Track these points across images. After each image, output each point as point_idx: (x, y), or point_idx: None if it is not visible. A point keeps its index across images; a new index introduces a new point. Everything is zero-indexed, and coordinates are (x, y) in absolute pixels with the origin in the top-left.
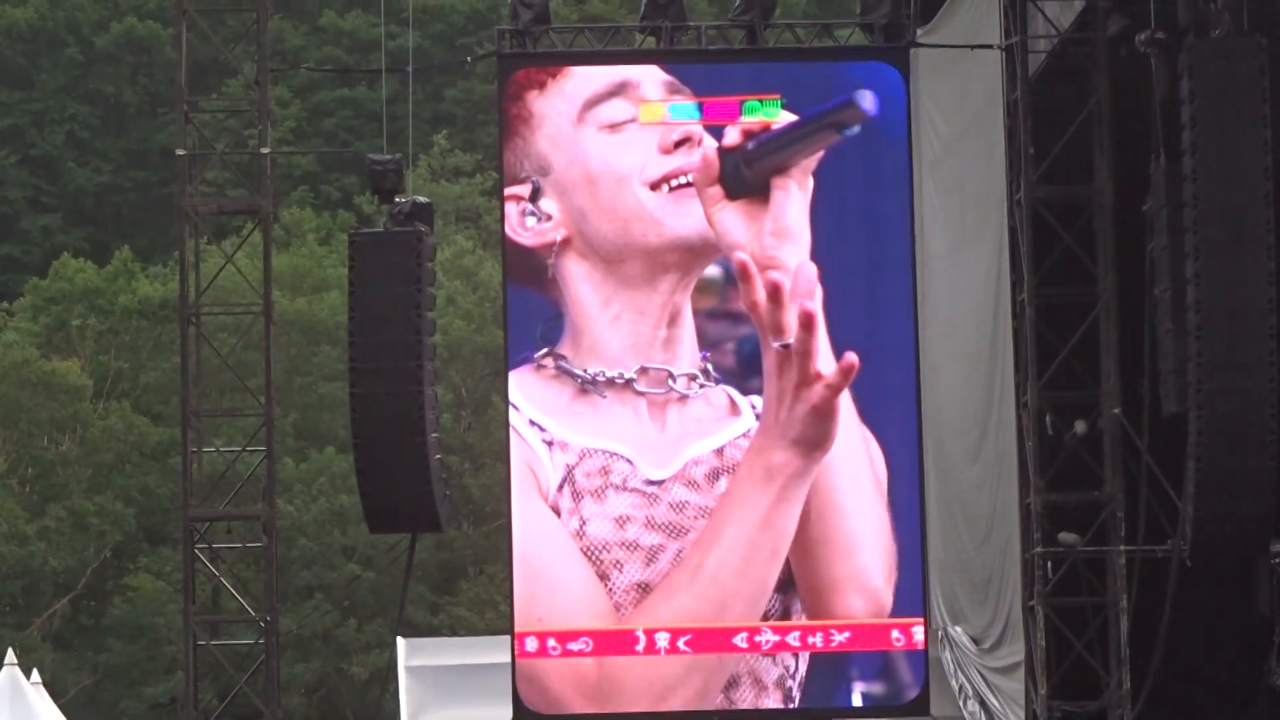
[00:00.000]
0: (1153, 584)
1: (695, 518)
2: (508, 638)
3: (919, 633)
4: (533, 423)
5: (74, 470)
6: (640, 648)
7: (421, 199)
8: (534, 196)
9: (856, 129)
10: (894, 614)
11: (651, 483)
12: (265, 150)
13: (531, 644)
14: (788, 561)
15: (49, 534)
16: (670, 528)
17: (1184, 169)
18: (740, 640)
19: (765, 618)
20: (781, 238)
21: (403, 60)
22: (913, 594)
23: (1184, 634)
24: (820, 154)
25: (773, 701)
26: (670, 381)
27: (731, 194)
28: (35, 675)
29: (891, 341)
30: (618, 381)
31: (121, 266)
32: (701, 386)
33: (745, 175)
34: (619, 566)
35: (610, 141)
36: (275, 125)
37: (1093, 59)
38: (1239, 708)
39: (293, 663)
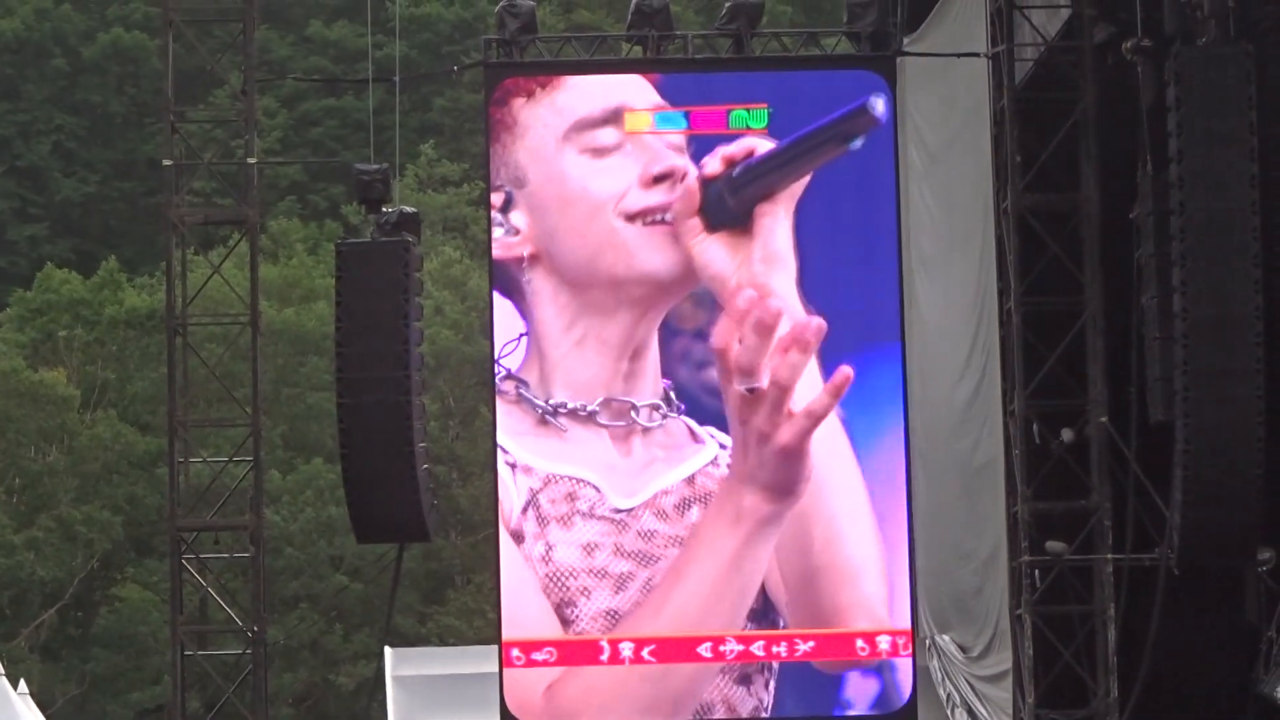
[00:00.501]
0: (1140, 592)
1: (665, 546)
2: (495, 647)
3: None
4: (497, 444)
5: (61, 480)
6: (605, 658)
7: (408, 209)
8: (505, 207)
9: (861, 141)
10: (889, 623)
11: (620, 511)
12: (252, 160)
13: (518, 654)
14: (764, 592)
15: (37, 544)
16: (640, 555)
17: (1171, 176)
18: (705, 650)
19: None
20: (771, 264)
21: (389, 70)
22: (900, 603)
23: (1171, 642)
24: (808, 178)
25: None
26: (633, 413)
27: (712, 225)
28: (23, 686)
29: (880, 354)
30: (580, 413)
31: (108, 277)
32: (665, 417)
33: (729, 204)
34: (587, 594)
35: (592, 166)
36: (262, 135)
37: (1079, 67)
38: (1227, 715)
39: (280, 673)
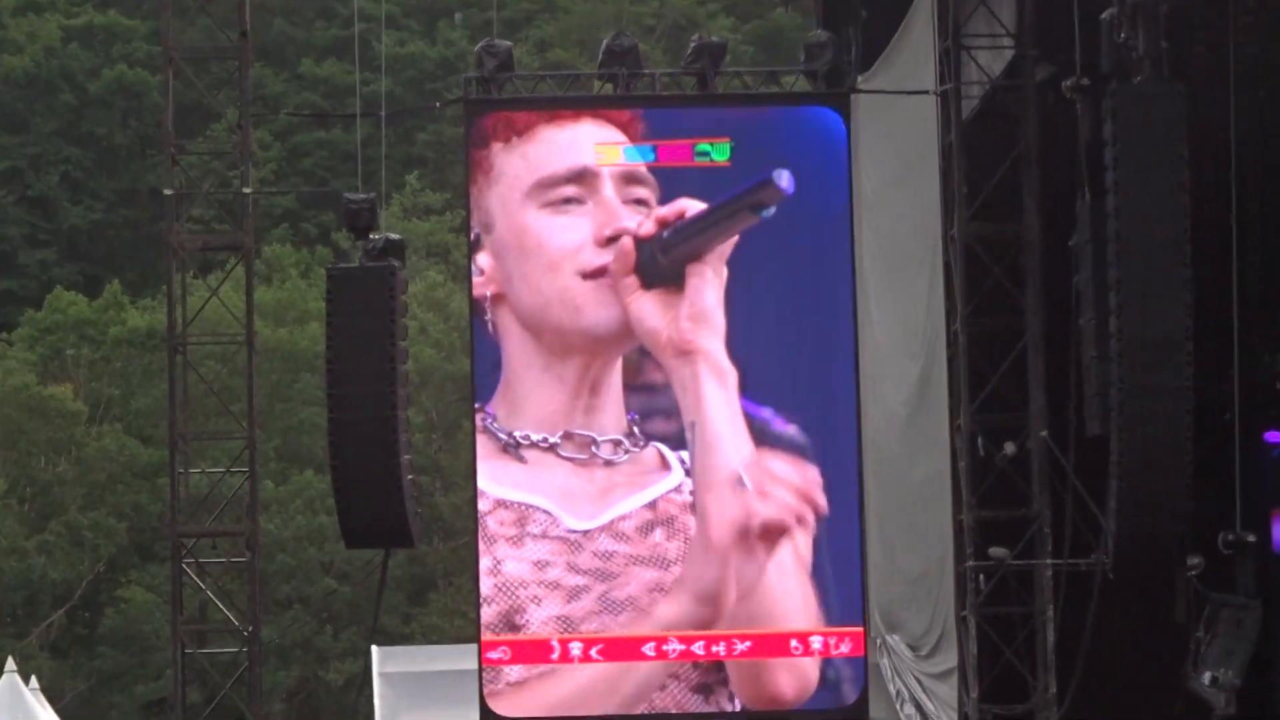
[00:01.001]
0: (1077, 595)
1: (625, 565)
2: (474, 646)
3: (858, 640)
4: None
5: (70, 489)
6: (555, 656)
7: (394, 235)
8: (473, 247)
9: (773, 209)
10: (835, 624)
11: (575, 532)
12: (247, 190)
13: (494, 652)
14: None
15: (48, 548)
16: (596, 571)
17: (1107, 207)
18: (649, 649)
19: None
20: (698, 323)
21: (376, 105)
22: (852, 604)
23: (1106, 641)
24: (735, 239)
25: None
26: (594, 447)
27: (647, 283)
28: (34, 681)
29: (836, 377)
30: (541, 445)
31: (112, 299)
32: (627, 451)
33: (661, 263)
34: (537, 601)
35: (552, 222)
36: (257, 166)
37: (1022, 104)
38: (1158, 710)
39: (274, 670)
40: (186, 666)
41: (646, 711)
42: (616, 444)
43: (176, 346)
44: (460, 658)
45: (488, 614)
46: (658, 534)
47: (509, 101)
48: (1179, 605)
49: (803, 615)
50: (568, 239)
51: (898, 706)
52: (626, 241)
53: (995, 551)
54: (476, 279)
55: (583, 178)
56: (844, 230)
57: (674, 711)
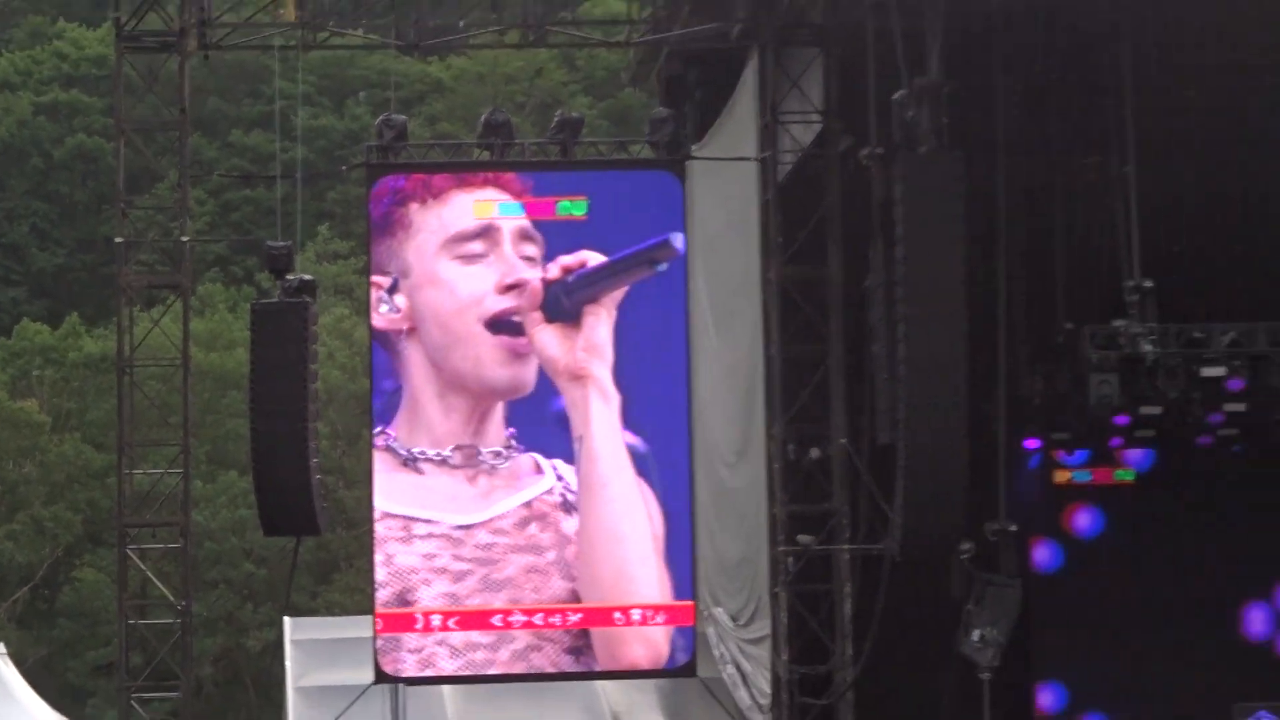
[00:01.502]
0: (870, 575)
1: (504, 553)
2: (370, 617)
3: (689, 613)
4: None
5: (34, 488)
6: (419, 626)
7: (307, 276)
8: (392, 289)
9: (666, 265)
10: (675, 600)
11: (459, 528)
12: (185, 238)
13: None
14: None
15: (14, 536)
16: (478, 559)
17: (897, 255)
18: (496, 620)
19: None
20: (591, 353)
21: (293, 168)
22: (685, 583)
23: (894, 613)
24: (626, 287)
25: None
26: (478, 457)
27: (549, 318)
28: (2, 648)
29: (675, 397)
30: (435, 460)
31: (71, 329)
32: (506, 460)
33: (564, 303)
34: (428, 583)
35: (462, 271)
36: (193, 219)
37: (827, 169)
38: (935, 670)
39: (203, 638)
40: (130, 635)
41: (524, 670)
42: (497, 454)
43: (125, 368)
44: (359, 628)
45: (383, 595)
46: (533, 527)
47: (403, 165)
48: (953, 583)
49: (656, 592)
50: (473, 286)
51: (721, 668)
52: (536, 283)
53: (802, 539)
54: (393, 316)
55: (487, 235)
56: (681, 274)
57: (548, 669)
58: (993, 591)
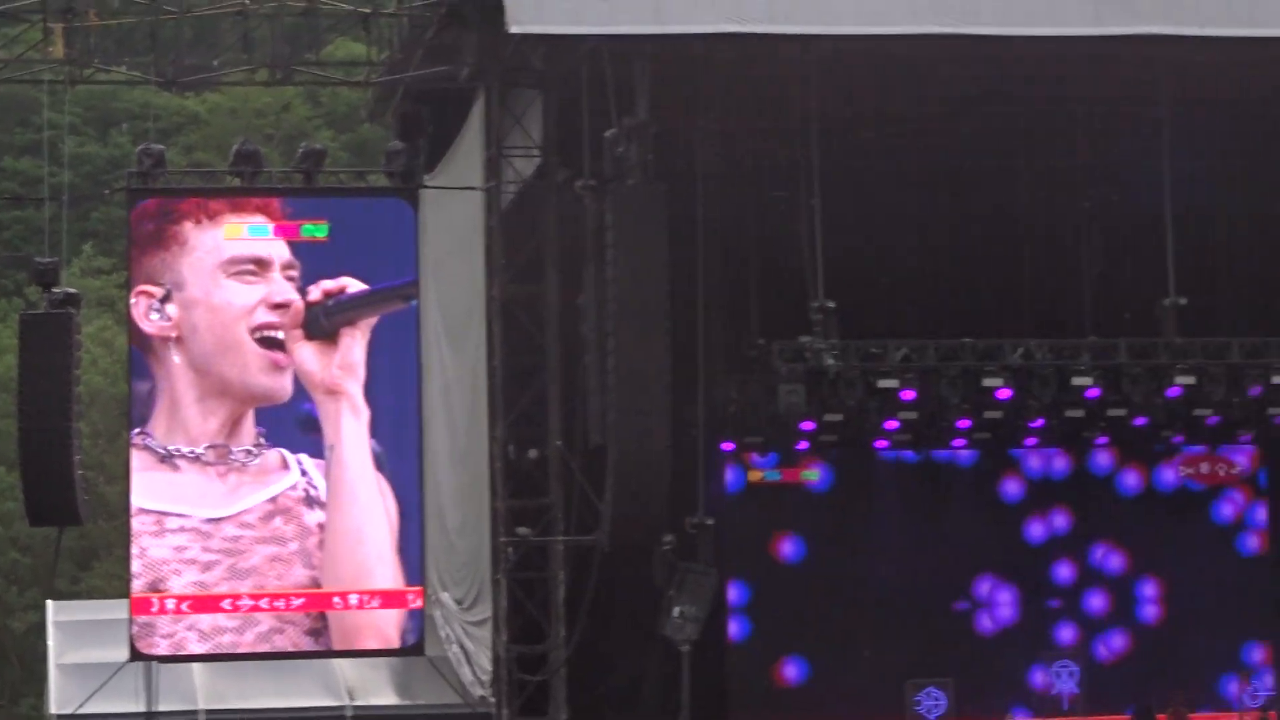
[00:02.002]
0: (582, 563)
1: (250, 544)
2: (127, 600)
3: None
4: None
5: None
6: (170, 609)
7: (72, 290)
8: (164, 299)
9: (416, 301)
10: (407, 585)
11: (208, 521)
12: None
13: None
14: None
15: None
16: (226, 550)
17: (607, 275)
18: (226, 604)
19: None
20: (346, 371)
21: (60, 191)
22: (415, 571)
23: (603, 598)
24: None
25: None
26: (230, 455)
27: (309, 336)
28: None
29: (408, 405)
30: (189, 457)
31: None
32: (256, 457)
33: (323, 323)
34: (178, 573)
35: (235, 287)
36: None
37: (546, 198)
38: (641, 649)
39: None
40: None
41: (267, 650)
42: (248, 452)
43: None
44: (117, 611)
45: (137, 585)
46: (277, 521)
47: (161, 191)
48: (657, 571)
49: (391, 580)
50: (246, 301)
51: (447, 647)
52: (299, 303)
53: (521, 530)
54: (163, 324)
55: (261, 258)
56: (412, 295)
57: (290, 650)
58: (692, 578)
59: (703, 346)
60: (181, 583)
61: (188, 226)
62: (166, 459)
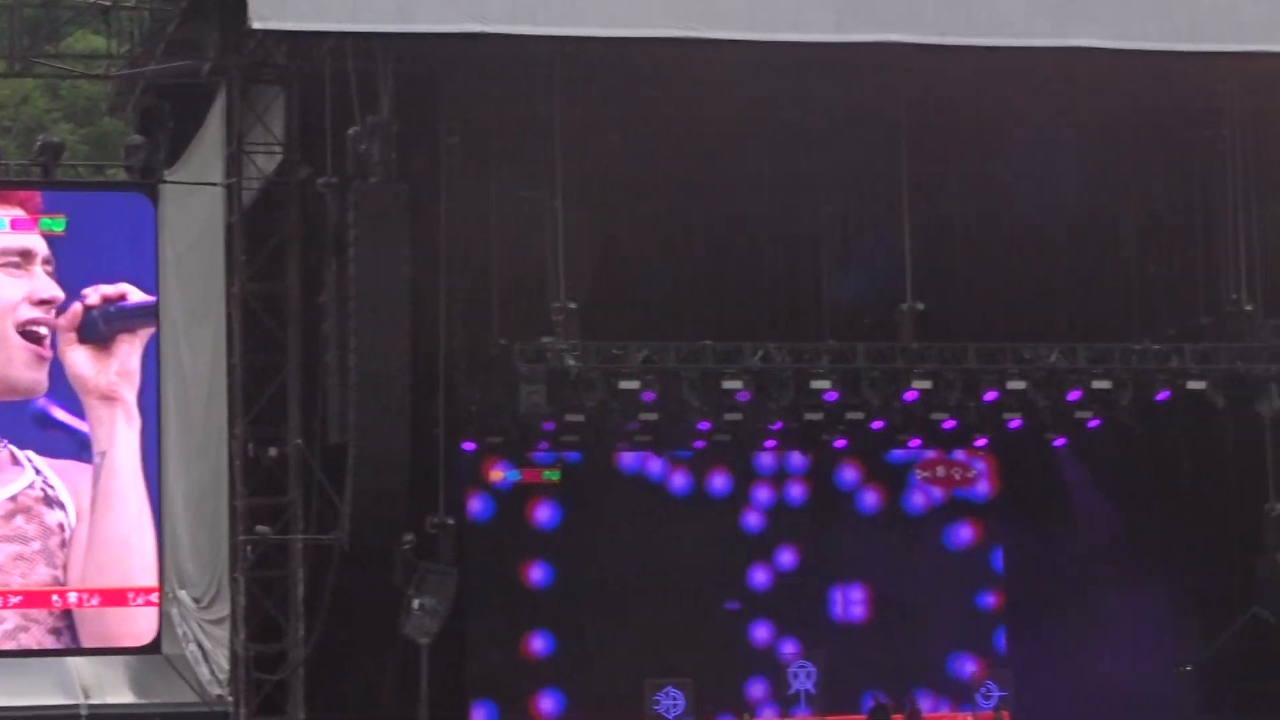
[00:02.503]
0: (321, 562)
1: None
2: None
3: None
4: None
5: None
6: None
7: None
8: None
9: (156, 297)
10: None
11: None
12: None
13: None
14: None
15: None
16: None
17: (349, 273)
18: None
19: None
20: (124, 378)
21: None
22: (150, 569)
23: (344, 597)
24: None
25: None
26: None
27: (83, 340)
28: None
29: (148, 400)
30: None
31: None
32: None
33: (100, 328)
34: None
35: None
36: None
37: (288, 195)
38: (380, 649)
39: None
40: None
41: (13, 648)
42: None
43: None
44: None
45: None
46: (19, 520)
47: None
48: (397, 570)
49: (143, 577)
50: (10, 294)
51: (184, 646)
52: (77, 306)
53: (260, 529)
54: None
55: (24, 251)
56: (152, 286)
57: (34, 648)
58: (432, 578)
59: (444, 346)
60: None
61: None
62: None
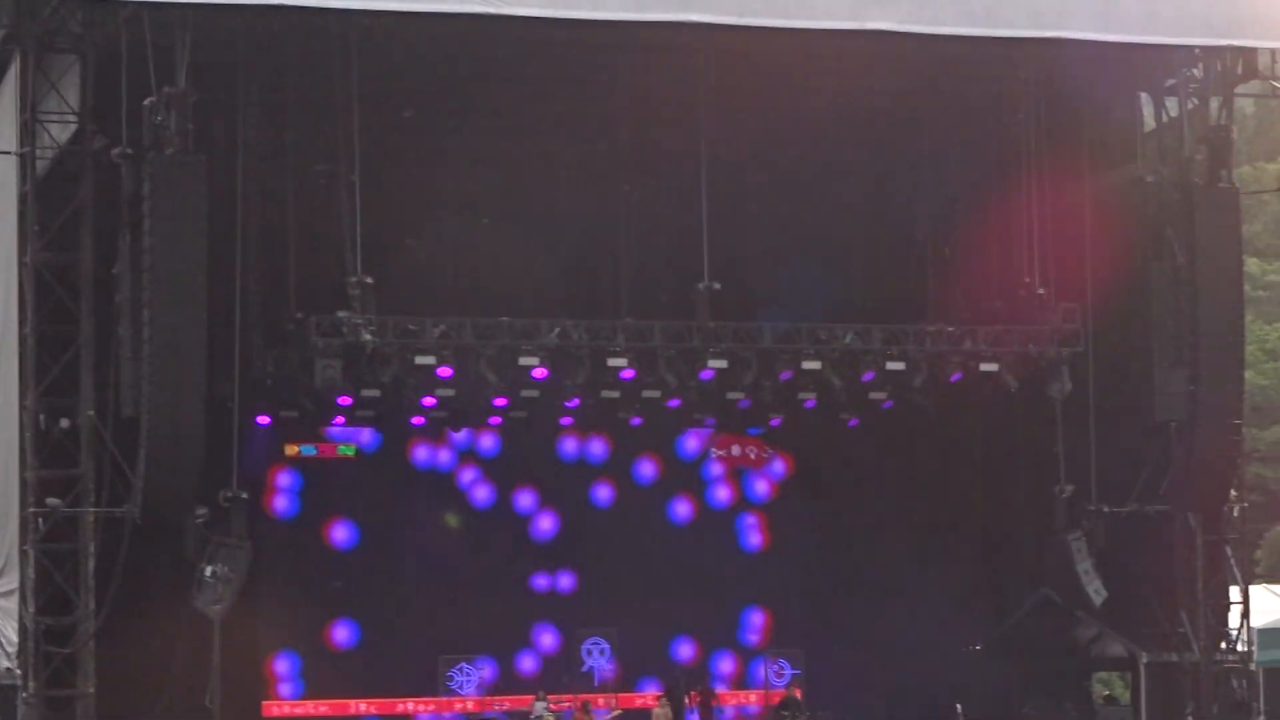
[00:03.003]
0: (113, 535)
1: None
2: None
3: None
4: None
5: None
6: None
7: None
8: None
9: None
10: None
11: None
12: None
13: None
14: None
15: None
16: None
17: (144, 245)
18: None
19: None
20: None
21: None
22: None
23: (135, 570)
24: None
25: None
26: None
27: None
28: None
29: None
30: None
31: None
32: None
33: None
34: None
35: None
36: None
37: (82, 165)
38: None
39: None
40: None
41: None
42: None
43: None
44: None
45: None
46: None
47: None
48: (189, 544)
49: None
50: None
51: None
52: None
53: (51, 501)
54: None
55: None
56: None
57: None
58: (225, 552)
59: (240, 319)
60: None
61: None
62: None
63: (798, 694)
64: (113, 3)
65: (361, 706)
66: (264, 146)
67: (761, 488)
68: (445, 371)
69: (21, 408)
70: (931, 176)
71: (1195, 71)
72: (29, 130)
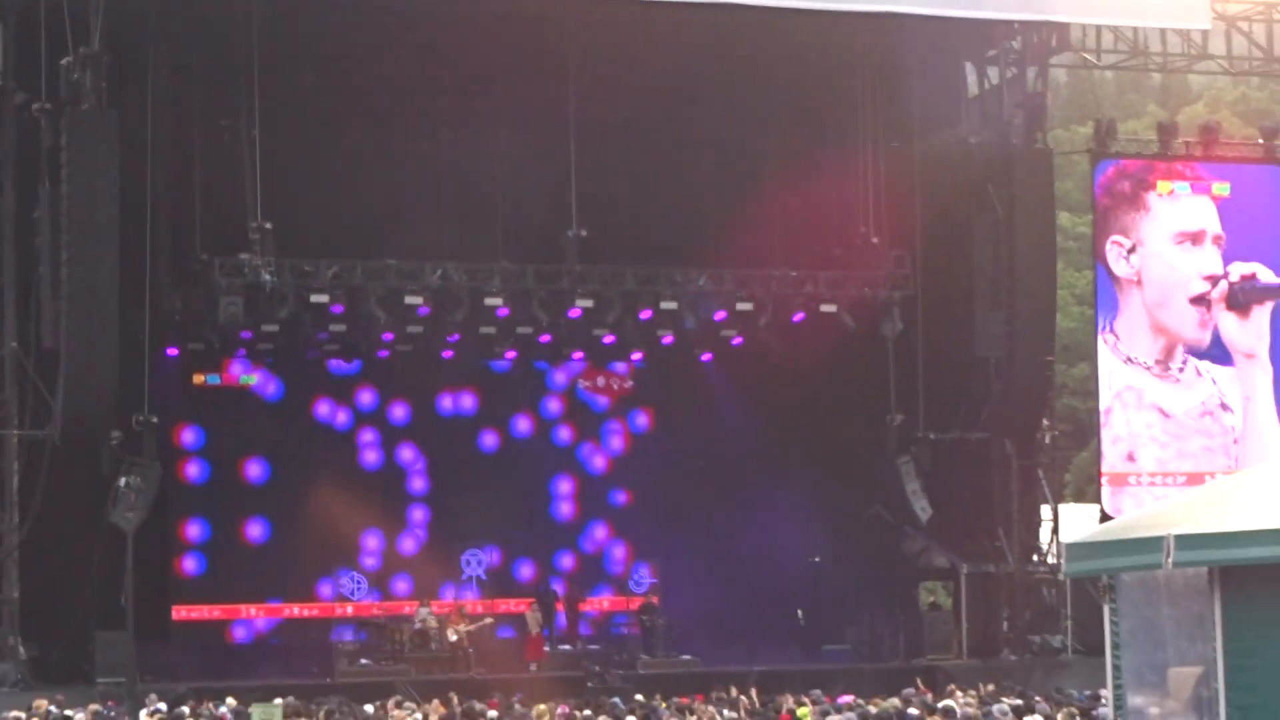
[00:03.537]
0: (35, 456)
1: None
2: None
3: None
4: None
5: None
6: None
7: None
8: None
9: None
10: None
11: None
12: None
13: None
14: None
15: None
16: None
17: (61, 192)
18: None
19: None
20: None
21: None
22: None
23: (56, 488)
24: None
25: None
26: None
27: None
28: None
29: None
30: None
31: None
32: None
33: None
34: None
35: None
36: None
37: (3, 118)
38: (90, 534)
39: None
40: None
41: None
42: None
43: None
44: None
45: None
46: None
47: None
48: (105, 464)
49: None
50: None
51: None
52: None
53: None
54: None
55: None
56: None
57: None
58: (138, 469)
59: (150, 260)
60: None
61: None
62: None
63: (655, 600)
64: None
65: (251, 610)
66: (172, 103)
67: (629, 417)
68: (338, 309)
69: None
70: (777, 136)
71: (1014, 44)
72: None
